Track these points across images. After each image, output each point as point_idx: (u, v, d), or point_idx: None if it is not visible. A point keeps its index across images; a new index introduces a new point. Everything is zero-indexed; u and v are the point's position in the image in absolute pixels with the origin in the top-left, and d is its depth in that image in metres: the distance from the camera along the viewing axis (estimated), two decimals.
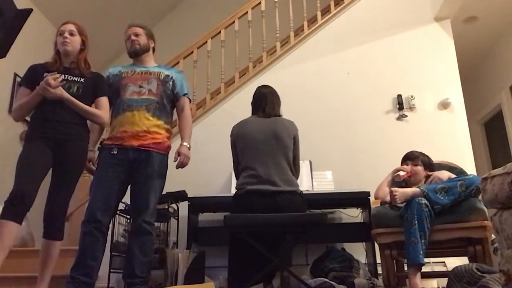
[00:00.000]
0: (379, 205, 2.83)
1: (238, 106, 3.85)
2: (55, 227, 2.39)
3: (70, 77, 2.51)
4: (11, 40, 1.82)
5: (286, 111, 2.76)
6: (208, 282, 2.98)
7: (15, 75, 4.37)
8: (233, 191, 2.68)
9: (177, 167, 2.66)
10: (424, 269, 2.45)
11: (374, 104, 3.98)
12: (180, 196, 3.26)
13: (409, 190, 2.55)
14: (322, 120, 3.94)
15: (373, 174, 3.17)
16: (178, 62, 4.09)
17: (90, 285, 2.35)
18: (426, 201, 2.44)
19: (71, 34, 2.54)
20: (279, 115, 2.67)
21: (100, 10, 5.36)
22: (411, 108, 3.94)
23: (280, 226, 2.32)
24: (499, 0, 4.15)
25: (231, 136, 2.66)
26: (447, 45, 4.12)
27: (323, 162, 3.69)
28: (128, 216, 3.10)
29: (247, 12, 4.28)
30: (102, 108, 2.56)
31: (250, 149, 2.53)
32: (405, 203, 2.52)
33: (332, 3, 4.43)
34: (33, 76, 2.47)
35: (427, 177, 2.78)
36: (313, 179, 3.53)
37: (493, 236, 2.56)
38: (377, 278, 2.97)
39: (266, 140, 2.52)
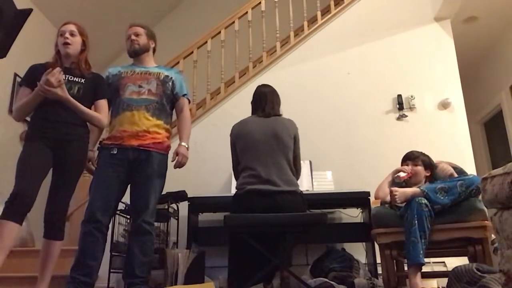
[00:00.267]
0: (379, 205, 2.83)
1: (238, 106, 3.85)
2: (56, 227, 2.39)
3: (71, 78, 2.50)
4: (11, 40, 1.83)
5: (286, 111, 2.76)
6: (208, 282, 2.98)
7: (15, 75, 4.37)
8: (233, 191, 2.68)
9: (175, 167, 2.67)
10: (424, 269, 2.45)
11: (374, 104, 3.98)
12: (180, 196, 3.26)
13: (409, 190, 2.55)
14: (322, 120, 3.94)
15: (373, 174, 3.17)
16: (178, 62, 4.09)
17: (90, 285, 2.35)
18: (426, 201, 2.44)
19: (72, 34, 2.54)
20: (279, 115, 2.66)
21: (100, 10, 5.36)
22: (411, 108, 3.94)
23: (280, 226, 2.31)
24: (499, 0, 4.15)
25: (231, 135, 2.66)
26: (447, 45, 4.12)
27: (323, 162, 3.69)
28: (128, 216, 3.10)
29: (247, 12, 4.28)
30: (102, 111, 2.56)
31: (250, 149, 2.53)
32: (405, 203, 2.52)
33: (332, 3, 4.43)
34: (33, 76, 2.47)
35: (427, 177, 2.78)
36: (313, 179, 3.53)
37: (493, 236, 2.55)
38: (377, 278, 2.97)
39: (266, 139, 2.52)
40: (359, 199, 3.26)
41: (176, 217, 3.40)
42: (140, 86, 2.67)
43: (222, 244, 2.97)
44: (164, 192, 2.77)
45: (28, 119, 2.53)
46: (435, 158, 2.90)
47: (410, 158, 2.82)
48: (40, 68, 2.49)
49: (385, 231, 2.58)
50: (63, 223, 2.43)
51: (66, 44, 2.52)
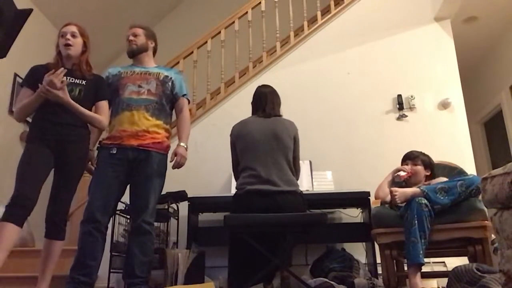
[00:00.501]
0: (379, 205, 2.83)
1: (238, 106, 3.85)
2: (57, 227, 2.39)
3: (72, 79, 2.50)
4: (11, 40, 1.82)
5: (286, 111, 2.76)
6: (208, 282, 2.98)
7: (15, 75, 4.37)
8: (233, 191, 2.68)
9: (174, 167, 2.67)
10: (424, 269, 2.45)
11: (374, 104, 3.98)
12: (180, 196, 3.26)
13: (409, 190, 2.55)
14: (322, 120, 3.94)
15: (373, 174, 3.17)
16: (178, 62, 4.10)
17: (90, 285, 2.36)
18: (426, 201, 2.44)
19: (73, 35, 2.54)
20: (279, 115, 2.66)
21: (100, 10, 5.36)
22: (411, 108, 3.94)
23: (280, 226, 2.31)
24: (499, 0, 4.15)
25: (231, 136, 2.66)
26: (447, 45, 4.12)
27: (323, 162, 3.69)
28: (128, 216, 3.10)
29: (247, 12, 4.28)
30: (102, 112, 2.56)
31: (250, 149, 2.53)
32: (405, 203, 2.52)
33: (332, 3, 4.43)
34: (35, 77, 2.46)
35: (427, 177, 2.78)
36: (313, 179, 3.52)
37: (493, 236, 2.55)
38: (377, 278, 2.97)
39: (266, 140, 2.52)
40: (359, 199, 3.26)
41: (176, 217, 3.40)
42: (139, 86, 2.67)
43: (222, 244, 2.97)
44: (164, 192, 2.77)
45: (29, 119, 2.53)
46: (435, 158, 2.90)
47: (410, 157, 2.82)
48: (41, 69, 2.48)
49: (385, 231, 2.58)
50: (64, 223, 2.43)
51: (67, 45, 2.51)
